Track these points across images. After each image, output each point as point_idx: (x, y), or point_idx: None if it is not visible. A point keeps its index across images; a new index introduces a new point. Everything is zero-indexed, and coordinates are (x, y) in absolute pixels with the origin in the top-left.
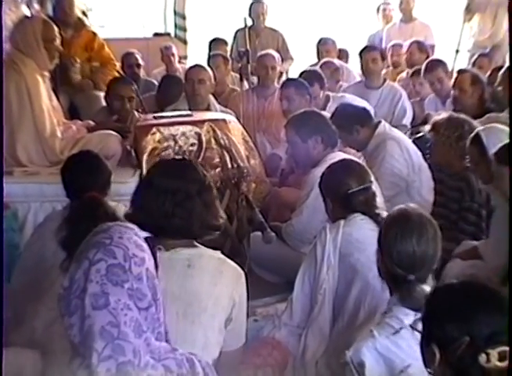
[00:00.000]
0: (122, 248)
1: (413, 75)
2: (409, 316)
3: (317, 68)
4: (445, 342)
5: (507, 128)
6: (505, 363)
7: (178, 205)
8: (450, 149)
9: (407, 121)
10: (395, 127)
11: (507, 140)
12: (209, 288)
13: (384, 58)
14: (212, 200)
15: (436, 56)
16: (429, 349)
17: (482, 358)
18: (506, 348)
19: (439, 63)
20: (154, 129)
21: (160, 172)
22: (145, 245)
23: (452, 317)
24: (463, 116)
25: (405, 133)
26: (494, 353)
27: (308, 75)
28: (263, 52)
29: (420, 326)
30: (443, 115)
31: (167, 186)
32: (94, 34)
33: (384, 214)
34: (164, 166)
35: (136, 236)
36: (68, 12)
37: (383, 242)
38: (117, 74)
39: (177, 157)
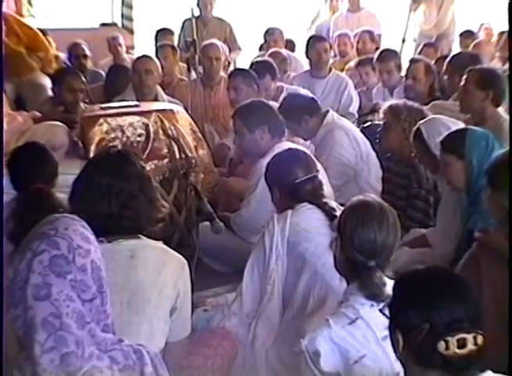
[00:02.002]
0: (66, 239)
1: (359, 65)
2: (364, 306)
3: (269, 58)
4: (407, 329)
5: (448, 119)
6: (465, 350)
7: (124, 207)
8: (408, 134)
9: (354, 109)
10: (342, 115)
11: (446, 132)
12: (153, 278)
13: (330, 48)
14: (154, 193)
15: (382, 45)
16: (394, 335)
17: (441, 345)
18: (466, 336)
19: (392, 53)
20: (101, 120)
21: (99, 171)
22: (92, 237)
23: (414, 304)
24: (416, 103)
25: (353, 122)
26: (453, 341)
27: (260, 66)
28: (207, 42)
29: (387, 311)
30: (397, 101)
31: (110, 187)
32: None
33: (332, 203)
34: (103, 163)
35: (83, 228)
36: None
37: (343, 229)
38: (55, 63)
39: (113, 149)
